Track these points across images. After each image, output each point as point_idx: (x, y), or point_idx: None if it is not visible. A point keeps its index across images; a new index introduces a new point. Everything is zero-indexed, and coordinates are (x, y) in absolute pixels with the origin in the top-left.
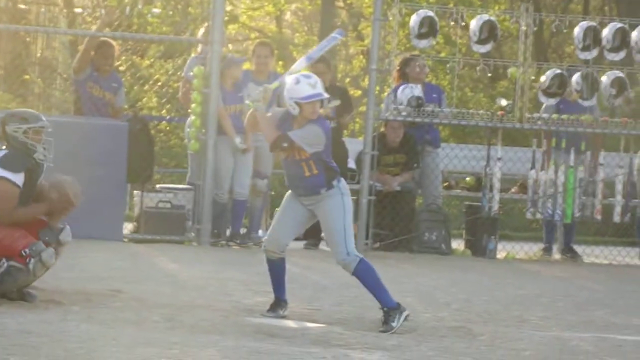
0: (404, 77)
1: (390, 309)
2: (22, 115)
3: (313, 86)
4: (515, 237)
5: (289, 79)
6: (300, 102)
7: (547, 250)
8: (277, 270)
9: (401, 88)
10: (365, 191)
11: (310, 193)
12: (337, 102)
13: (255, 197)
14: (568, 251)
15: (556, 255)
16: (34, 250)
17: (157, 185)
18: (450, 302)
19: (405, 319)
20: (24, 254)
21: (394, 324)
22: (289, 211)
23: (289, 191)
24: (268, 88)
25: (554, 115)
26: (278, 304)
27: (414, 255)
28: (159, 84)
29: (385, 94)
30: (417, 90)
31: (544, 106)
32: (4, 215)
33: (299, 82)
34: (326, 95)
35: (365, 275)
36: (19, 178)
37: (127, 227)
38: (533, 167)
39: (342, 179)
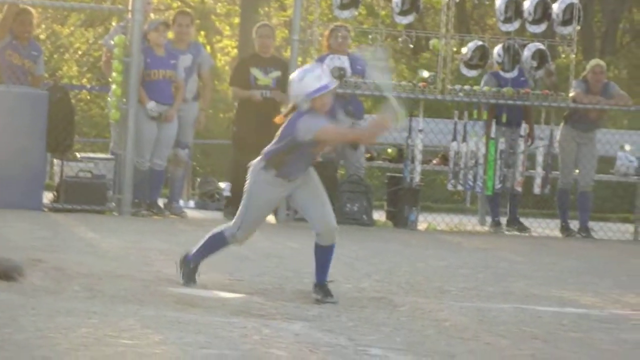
0: (330, 47)
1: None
2: None
3: (318, 78)
4: (437, 209)
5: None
6: (310, 97)
7: (497, 224)
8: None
9: (328, 58)
10: None
11: (305, 172)
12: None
13: (177, 167)
14: (516, 223)
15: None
16: None
17: (78, 155)
18: (371, 272)
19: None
20: None
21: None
22: (268, 208)
23: (264, 186)
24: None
25: (475, 87)
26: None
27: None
28: (80, 52)
29: (307, 64)
30: (341, 61)
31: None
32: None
33: (304, 78)
34: (333, 85)
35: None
36: None
37: (47, 197)
38: (454, 138)
39: None
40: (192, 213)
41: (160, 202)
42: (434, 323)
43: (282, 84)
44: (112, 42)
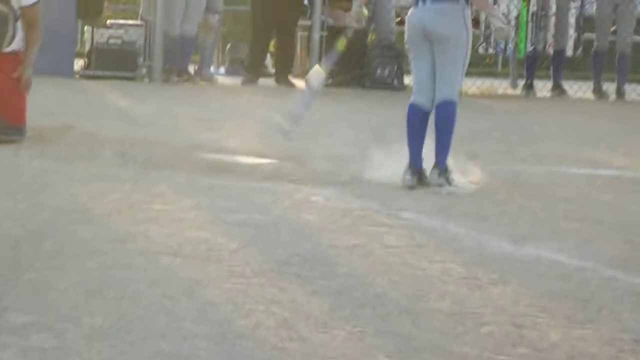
0: None
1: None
2: None
3: None
4: (467, 73)
5: None
6: None
7: (530, 86)
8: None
9: None
10: (317, 27)
11: None
12: None
13: (207, 32)
14: (555, 87)
15: (539, 93)
16: None
17: (108, 21)
18: (401, 138)
19: None
20: None
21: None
22: None
23: None
24: None
25: None
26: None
27: (366, 92)
28: None
29: None
30: None
31: None
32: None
33: None
34: None
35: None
36: None
37: (79, 64)
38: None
39: None
40: (223, 79)
41: (191, 68)
42: (467, 186)
43: None
44: None
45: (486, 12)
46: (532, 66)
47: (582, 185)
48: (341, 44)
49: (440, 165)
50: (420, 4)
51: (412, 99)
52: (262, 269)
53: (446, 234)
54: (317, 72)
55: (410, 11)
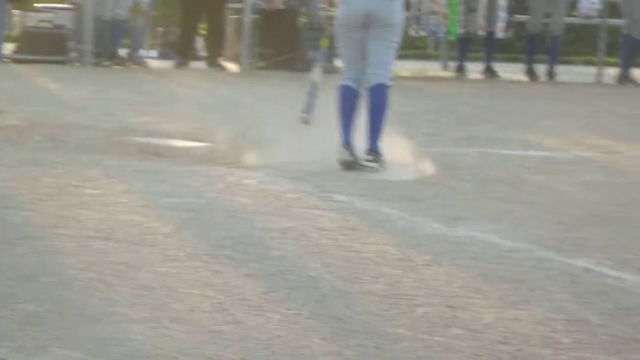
0: None
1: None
2: None
3: None
4: (399, 55)
5: None
6: None
7: (461, 68)
8: None
9: None
10: (248, 10)
11: None
12: None
13: (138, 16)
14: (487, 69)
15: (471, 75)
16: None
17: (38, 5)
18: (332, 119)
19: None
20: None
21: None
22: None
23: None
24: None
25: None
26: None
27: (297, 74)
28: None
29: None
30: None
31: None
32: None
33: None
34: None
35: None
36: None
37: (8, 48)
38: None
39: None
40: (155, 63)
41: (122, 52)
42: (398, 169)
43: None
44: None
45: None
46: (463, 48)
47: (514, 167)
48: (324, 42)
49: (373, 148)
50: None
51: (342, 79)
52: (196, 252)
53: (379, 216)
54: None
55: None
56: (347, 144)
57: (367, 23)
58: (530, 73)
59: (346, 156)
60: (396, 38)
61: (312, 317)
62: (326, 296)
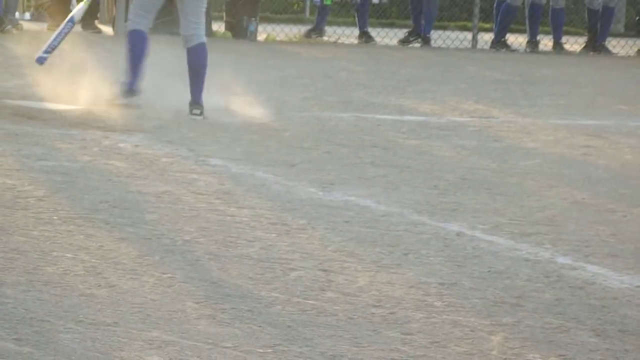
0: None
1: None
2: None
3: None
4: (276, 20)
5: None
6: None
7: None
8: None
9: None
10: None
11: None
12: None
13: None
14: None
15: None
16: None
17: None
18: (210, 84)
19: None
20: None
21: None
22: None
23: None
24: None
25: None
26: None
27: (174, 38)
28: None
29: None
30: None
31: None
32: None
33: None
34: None
35: None
36: None
37: None
38: None
39: None
40: (28, 25)
41: None
42: (274, 133)
43: None
44: None
45: None
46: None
47: (388, 132)
48: None
49: (198, 100)
50: None
51: (131, 25)
52: (70, 216)
53: (255, 180)
54: (81, 6)
55: None
56: (132, 88)
57: None
58: (406, 40)
59: (122, 100)
60: None
61: (187, 280)
62: (200, 260)
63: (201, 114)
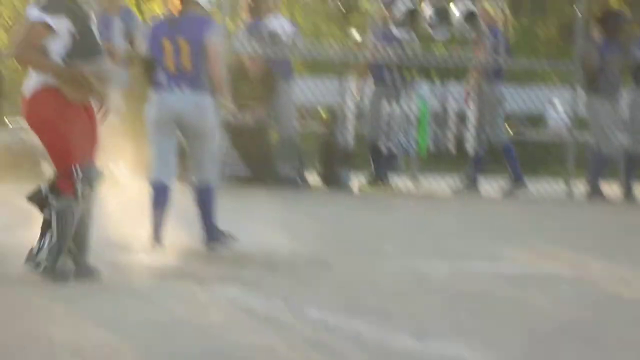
0: (255, 11)
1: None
2: None
3: None
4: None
5: None
6: None
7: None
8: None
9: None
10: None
11: None
12: None
13: None
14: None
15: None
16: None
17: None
18: (307, 235)
19: None
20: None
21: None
22: None
23: None
24: None
25: (408, 48)
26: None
27: (269, 190)
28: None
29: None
30: (273, 23)
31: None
32: (17, 49)
33: None
34: None
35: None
36: (57, 22)
37: None
38: (390, 100)
39: None
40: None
41: None
42: (370, 283)
43: None
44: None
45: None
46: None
47: (484, 282)
48: None
49: (211, 237)
50: (175, 88)
51: (153, 176)
52: None
53: (350, 330)
54: None
55: (160, 93)
56: (156, 239)
57: (181, 124)
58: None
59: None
60: (215, 142)
61: None
62: None
63: (214, 245)
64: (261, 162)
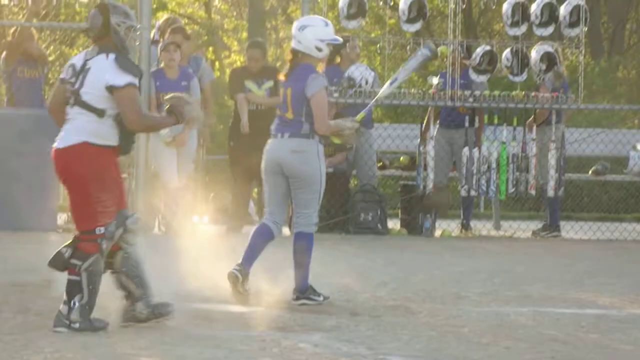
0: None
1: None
2: (124, 10)
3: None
4: (451, 215)
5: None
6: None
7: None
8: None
9: (353, 67)
10: None
11: None
12: None
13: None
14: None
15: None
16: (109, 231)
17: None
18: (388, 281)
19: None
20: (97, 232)
21: (318, 299)
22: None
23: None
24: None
25: (485, 92)
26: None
27: (350, 237)
28: None
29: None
30: (352, 71)
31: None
32: (135, 121)
33: (328, 24)
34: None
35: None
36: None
37: (62, 218)
38: (466, 144)
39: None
40: (205, 227)
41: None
42: (453, 329)
43: (275, 93)
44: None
45: (329, 132)
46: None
47: (568, 326)
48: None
49: (300, 287)
50: (278, 136)
51: (264, 218)
52: None
53: None
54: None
55: (269, 142)
56: (243, 267)
57: (282, 172)
58: None
59: (233, 274)
60: (315, 188)
61: None
62: None
63: (297, 299)
64: (341, 208)
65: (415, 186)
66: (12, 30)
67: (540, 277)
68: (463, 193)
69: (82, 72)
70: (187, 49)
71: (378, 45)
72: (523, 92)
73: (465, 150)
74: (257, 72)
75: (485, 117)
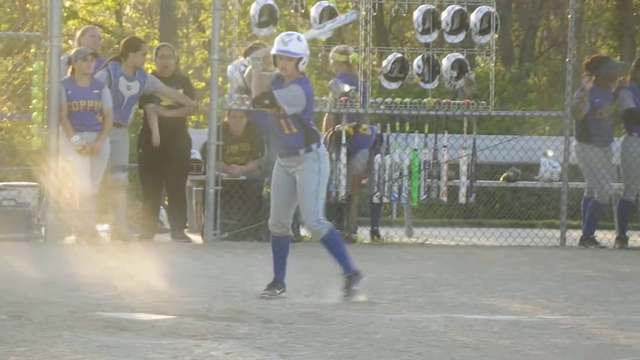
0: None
1: (352, 275)
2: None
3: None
4: (363, 222)
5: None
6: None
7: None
8: (278, 249)
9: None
10: (211, 181)
11: (289, 153)
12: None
13: (119, 191)
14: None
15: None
16: None
17: (1, 183)
18: (300, 288)
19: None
20: None
21: (355, 288)
22: (279, 188)
23: (275, 165)
24: (269, 50)
25: (397, 99)
26: (275, 284)
27: (262, 244)
28: None
29: (228, 85)
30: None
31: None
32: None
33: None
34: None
35: (333, 242)
36: None
37: None
38: (378, 151)
39: (322, 145)
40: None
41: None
42: (365, 336)
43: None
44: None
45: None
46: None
47: (480, 332)
48: None
49: (346, 272)
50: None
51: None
52: None
53: None
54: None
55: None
56: (277, 280)
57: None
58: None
59: (266, 292)
60: (312, 186)
61: None
62: None
63: (347, 285)
64: (254, 216)
65: (327, 192)
66: None
67: (452, 284)
68: (375, 200)
69: None
70: (139, 62)
71: None
72: (435, 100)
73: (377, 157)
74: (167, 78)
75: (397, 124)
